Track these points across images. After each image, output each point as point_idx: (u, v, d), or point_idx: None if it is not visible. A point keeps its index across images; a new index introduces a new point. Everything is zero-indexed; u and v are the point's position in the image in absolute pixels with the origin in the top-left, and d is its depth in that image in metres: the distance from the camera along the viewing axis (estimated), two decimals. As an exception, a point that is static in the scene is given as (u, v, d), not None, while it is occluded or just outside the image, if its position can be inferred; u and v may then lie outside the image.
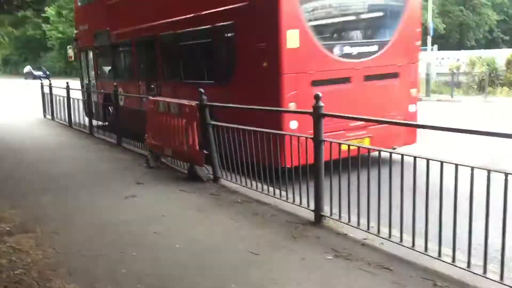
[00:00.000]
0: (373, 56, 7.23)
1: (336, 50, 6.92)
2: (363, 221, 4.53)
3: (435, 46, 24.59)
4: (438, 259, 3.76)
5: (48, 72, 48.87)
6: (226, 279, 3.70)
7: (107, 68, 12.94)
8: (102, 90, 12.49)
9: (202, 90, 6.72)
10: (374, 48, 7.26)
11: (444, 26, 38.53)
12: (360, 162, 4.42)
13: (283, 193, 5.55)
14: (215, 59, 8.20)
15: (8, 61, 64.88)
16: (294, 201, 5.36)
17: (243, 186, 6.20)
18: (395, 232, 4.20)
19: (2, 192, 6.26)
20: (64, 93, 13.33)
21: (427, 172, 3.79)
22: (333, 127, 5.92)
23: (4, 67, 66.94)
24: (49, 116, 15.36)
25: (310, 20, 6.75)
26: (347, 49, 7.01)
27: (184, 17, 8.53)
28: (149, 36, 9.89)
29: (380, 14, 7.66)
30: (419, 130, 7.46)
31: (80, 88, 14.13)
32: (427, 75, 20.68)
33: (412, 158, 3.90)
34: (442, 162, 3.66)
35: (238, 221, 5.09)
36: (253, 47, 6.88)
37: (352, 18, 7.50)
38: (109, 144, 10.29)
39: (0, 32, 18.83)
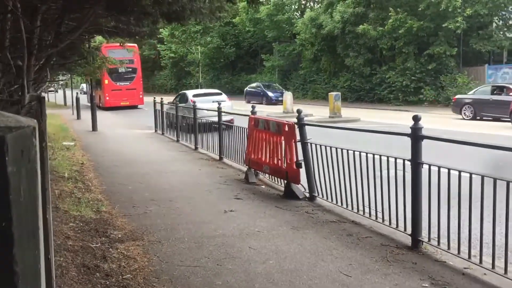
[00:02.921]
0: (128, 84, 31.13)
1: (117, 83, 30.75)
2: (464, 248, 4.31)
3: None
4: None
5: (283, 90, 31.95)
6: (316, 299, 3.73)
7: None
8: None
9: (300, 110, 7.01)
10: (128, 82, 31.16)
11: None
12: (460, 184, 4.22)
13: (379, 214, 5.45)
14: None
15: (126, 79, 70.84)
16: (390, 223, 5.24)
17: (339, 206, 6.19)
18: (500, 263, 3.94)
19: (117, 201, 6.88)
20: (174, 110, 14.38)
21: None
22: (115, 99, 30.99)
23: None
24: (159, 131, 16.53)
25: (111, 78, 30.36)
26: (120, 82, 30.78)
27: None
28: None
29: (130, 76, 31.46)
30: None
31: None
32: None
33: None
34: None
35: (332, 241, 5.09)
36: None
37: (120, 75, 30.82)
38: (212, 159, 10.82)
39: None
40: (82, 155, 11.44)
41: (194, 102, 15.02)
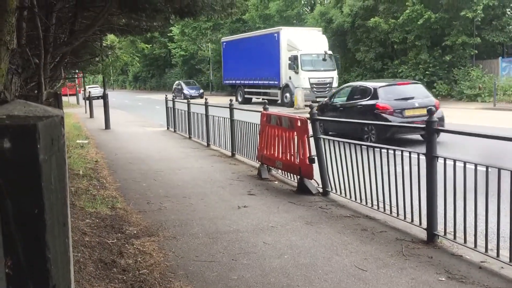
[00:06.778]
0: None
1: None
2: (481, 242, 4.27)
3: None
4: None
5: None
6: (332, 293, 3.73)
7: None
8: None
9: (313, 105, 7.00)
10: None
11: None
12: (477, 178, 4.19)
13: (394, 209, 5.42)
14: None
15: (138, 77, 71.27)
16: (405, 218, 5.21)
17: (353, 201, 6.17)
18: (517, 257, 3.90)
19: (132, 198, 6.93)
20: (186, 107, 14.46)
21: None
22: None
23: (134, 83, 73.73)
24: (171, 128, 16.60)
25: None
26: None
27: None
28: None
29: None
30: None
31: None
32: None
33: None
34: None
35: (346, 235, 5.08)
36: None
37: None
38: (224, 156, 10.84)
39: (132, 51, 22.09)
40: (96, 153, 11.53)
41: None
